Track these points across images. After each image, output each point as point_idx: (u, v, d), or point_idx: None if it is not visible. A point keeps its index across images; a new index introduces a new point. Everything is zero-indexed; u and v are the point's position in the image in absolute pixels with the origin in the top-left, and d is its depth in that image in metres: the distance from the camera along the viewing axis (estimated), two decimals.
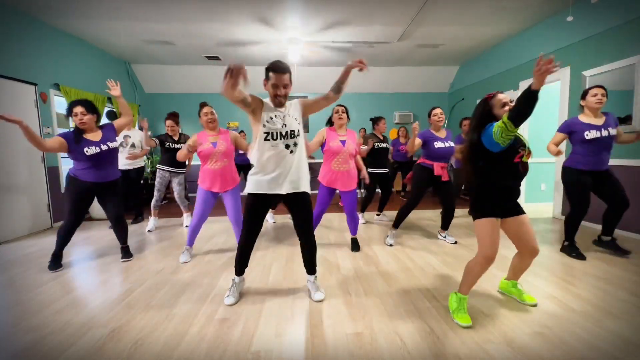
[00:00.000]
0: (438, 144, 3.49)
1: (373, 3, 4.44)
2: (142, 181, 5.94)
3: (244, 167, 6.97)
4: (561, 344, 1.78)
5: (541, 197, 5.92)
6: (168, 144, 4.48)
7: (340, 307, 2.25)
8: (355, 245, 3.53)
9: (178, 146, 4.48)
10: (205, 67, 7.41)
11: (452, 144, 3.55)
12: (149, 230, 4.51)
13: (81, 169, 2.97)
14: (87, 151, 2.89)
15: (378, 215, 5.05)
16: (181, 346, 1.83)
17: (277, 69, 2.05)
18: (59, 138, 2.84)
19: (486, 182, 2.01)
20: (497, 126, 1.81)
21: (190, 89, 7.94)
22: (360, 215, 4.86)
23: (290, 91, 2.15)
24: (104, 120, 5.79)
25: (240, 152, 6.80)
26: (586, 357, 1.68)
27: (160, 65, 7.30)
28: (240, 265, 2.41)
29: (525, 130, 5.57)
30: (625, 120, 3.89)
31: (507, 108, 1.94)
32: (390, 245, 3.64)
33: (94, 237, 4.21)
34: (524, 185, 5.83)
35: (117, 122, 3.19)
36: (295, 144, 2.19)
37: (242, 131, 7.18)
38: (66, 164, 5.37)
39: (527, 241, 2.08)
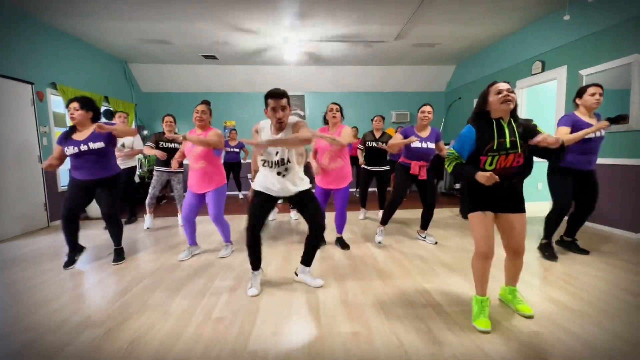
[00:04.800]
0: (415, 144, 3.38)
1: (370, 2, 4.43)
2: (138, 180, 5.94)
3: (233, 165, 6.93)
4: (559, 344, 1.79)
5: (537, 196, 5.92)
6: (162, 143, 4.48)
7: (338, 307, 2.25)
8: (343, 244, 3.56)
9: (171, 145, 4.48)
10: (202, 66, 7.38)
11: (431, 146, 3.44)
12: (147, 228, 4.52)
13: (71, 167, 3.03)
14: (66, 150, 2.92)
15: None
16: (177, 345, 1.82)
17: (274, 95, 2.26)
18: (57, 146, 3.00)
19: None
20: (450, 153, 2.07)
21: (187, 87, 7.90)
22: (362, 210, 5.05)
23: (289, 114, 2.33)
24: (103, 119, 5.80)
25: (230, 149, 6.77)
26: (584, 357, 1.68)
27: (157, 64, 7.26)
28: (252, 261, 2.56)
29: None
30: (617, 120, 3.87)
31: (500, 96, 1.92)
32: (379, 242, 3.61)
33: (91, 236, 4.18)
34: None
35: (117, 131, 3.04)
36: (286, 169, 2.41)
37: (233, 129, 7.13)
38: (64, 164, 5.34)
39: (511, 239, 2.04)
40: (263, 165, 2.43)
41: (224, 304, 2.31)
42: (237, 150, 6.94)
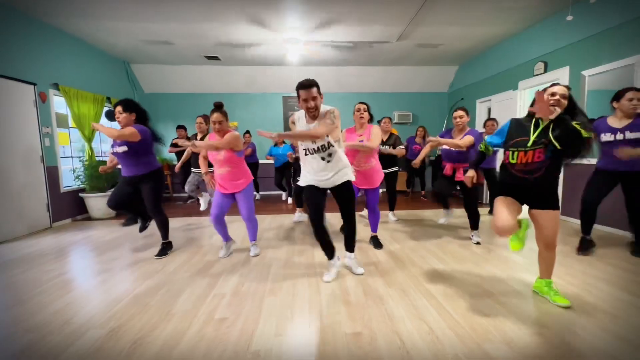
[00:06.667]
0: (444, 145, 3.46)
1: (372, 2, 4.44)
2: None
3: (250, 166, 6.88)
4: (561, 344, 1.78)
5: None
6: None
7: (340, 307, 2.25)
8: (377, 243, 3.57)
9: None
10: (205, 67, 7.39)
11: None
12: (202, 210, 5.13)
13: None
14: (112, 148, 3.21)
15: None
16: (180, 346, 1.83)
17: (303, 86, 2.37)
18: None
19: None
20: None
21: (189, 88, 7.91)
22: (391, 213, 4.90)
23: (320, 102, 2.42)
24: (103, 119, 5.82)
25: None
26: (586, 358, 1.68)
27: (159, 65, 7.28)
28: (324, 250, 2.75)
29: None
30: None
31: (551, 99, 2.03)
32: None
33: (94, 236, 4.20)
34: None
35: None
36: (329, 154, 2.49)
37: (247, 132, 7.08)
38: (65, 164, 5.37)
39: (541, 233, 2.21)
40: (305, 154, 2.51)
41: (226, 304, 2.31)
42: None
